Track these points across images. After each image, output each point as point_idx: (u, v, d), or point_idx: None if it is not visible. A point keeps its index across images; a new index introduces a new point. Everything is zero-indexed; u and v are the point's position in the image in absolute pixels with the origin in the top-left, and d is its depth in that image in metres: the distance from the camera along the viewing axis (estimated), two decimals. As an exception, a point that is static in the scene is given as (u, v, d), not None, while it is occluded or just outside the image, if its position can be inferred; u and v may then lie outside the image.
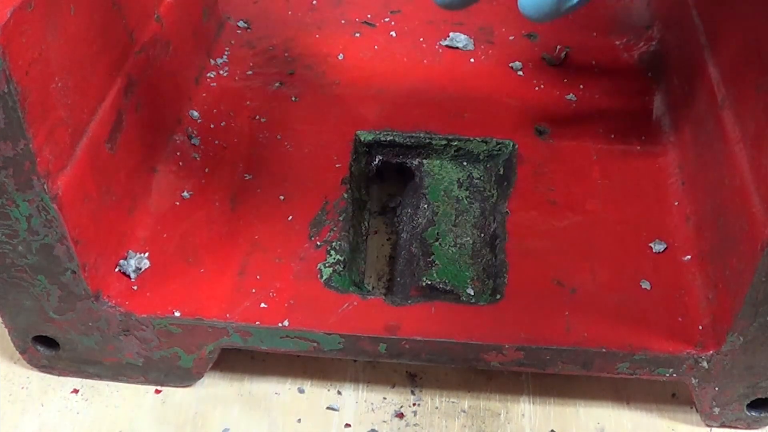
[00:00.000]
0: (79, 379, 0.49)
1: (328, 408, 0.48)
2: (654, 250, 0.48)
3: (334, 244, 0.48)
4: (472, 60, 0.61)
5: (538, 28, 0.64)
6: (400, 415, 0.48)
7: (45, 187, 0.39)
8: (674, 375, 0.44)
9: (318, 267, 0.47)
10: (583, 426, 0.47)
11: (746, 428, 0.47)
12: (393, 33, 0.64)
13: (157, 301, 0.45)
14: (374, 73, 0.60)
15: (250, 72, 0.61)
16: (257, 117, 0.57)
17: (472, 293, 0.48)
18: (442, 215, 0.52)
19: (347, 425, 0.47)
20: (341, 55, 0.62)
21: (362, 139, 0.55)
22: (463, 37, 0.62)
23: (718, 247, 0.44)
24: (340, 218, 0.50)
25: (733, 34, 0.45)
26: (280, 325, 0.44)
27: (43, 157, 0.38)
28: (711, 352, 0.43)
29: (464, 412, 0.48)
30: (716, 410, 0.46)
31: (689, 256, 0.47)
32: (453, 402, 0.49)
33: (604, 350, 0.44)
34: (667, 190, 0.51)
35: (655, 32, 0.60)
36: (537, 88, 0.59)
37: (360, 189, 0.54)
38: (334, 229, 0.49)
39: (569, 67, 0.61)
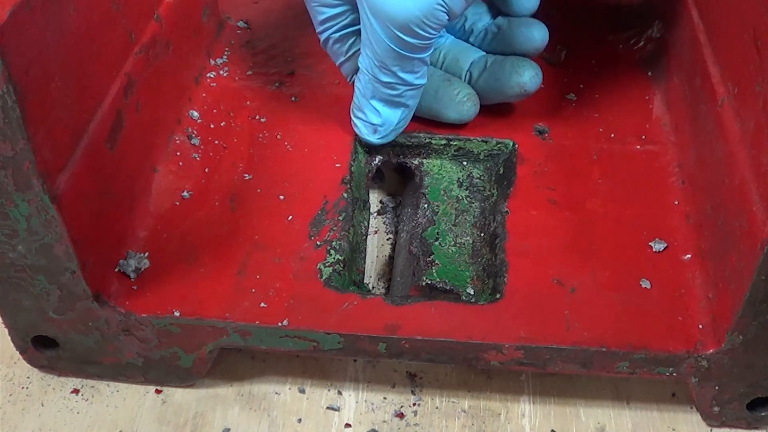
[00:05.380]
0: (79, 379, 0.49)
1: (328, 408, 0.48)
2: (654, 250, 0.48)
3: (333, 243, 0.49)
4: (472, 60, 0.61)
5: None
6: (401, 415, 0.48)
7: (44, 187, 0.38)
8: (674, 374, 0.44)
9: (318, 267, 0.47)
10: (583, 426, 0.47)
11: (746, 428, 0.47)
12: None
13: (157, 301, 0.45)
14: (374, 73, 0.60)
15: (250, 72, 0.61)
16: (257, 117, 0.57)
17: (472, 293, 0.48)
18: (441, 215, 0.52)
19: (347, 425, 0.47)
20: (341, 55, 0.62)
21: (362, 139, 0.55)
22: (463, 37, 0.62)
23: (718, 246, 0.44)
24: (340, 218, 0.50)
25: (734, 33, 0.45)
26: (279, 324, 0.44)
27: (42, 157, 0.38)
28: (711, 351, 0.43)
29: (464, 412, 0.48)
30: (716, 409, 0.46)
31: (689, 255, 0.47)
32: (453, 402, 0.49)
33: (603, 349, 0.44)
34: (667, 190, 0.51)
35: (655, 32, 0.60)
36: (537, 88, 0.59)
37: (360, 189, 0.54)
38: (334, 228, 0.49)
39: (569, 67, 0.61)
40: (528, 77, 0.53)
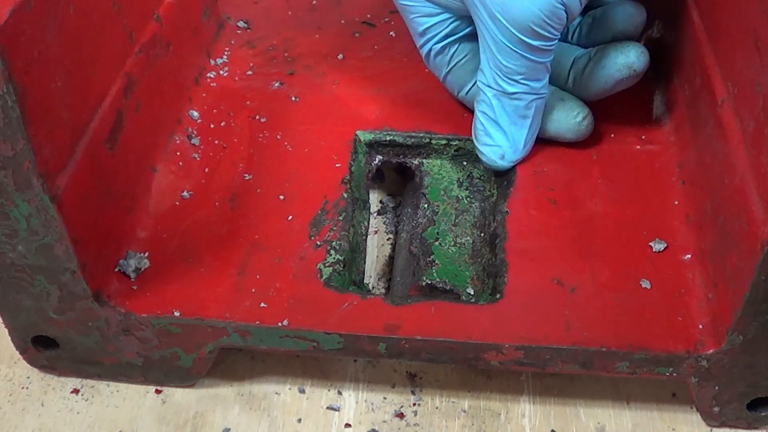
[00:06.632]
0: (79, 379, 0.49)
1: (328, 408, 0.48)
2: (654, 250, 0.48)
3: (333, 243, 0.48)
4: (472, 60, 0.61)
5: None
6: (401, 415, 0.48)
7: (44, 186, 0.39)
8: (674, 374, 0.44)
9: (318, 267, 0.47)
10: (583, 426, 0.47)
11: (747, 428, 0.47)
12: (393, 33, 0.64)
13: (157, 301, 0.45)
14: (374, 73, 0.60)
15: (250, 72, 0.61)
16: (257, 117, 0.57)
17: (472, 293, 0.48)
18: (441, 215, 0.52)
19: (347, 425, 0.47)
20: (341, 55, 0.62)
21: (362, 139, 0.55)
22: (463, 37, 0.62)
23: (718, 246, 0.44)
24: (340, 218, 0.50)
25: (734, 33, 0.45)
26: (279, 324, 0.44)
27: (42, 157, 0.38)
28: (711, 351, 0.43)
29: (464, 412, 0.48)
30: (716, 409, 0.46)
31: (689, 255, 0.47)
32: (453, 402, 0.49)
33: (603, 349, 0.43)
34: (667, 190, 0.51)
35: (655, 32, 0.60)
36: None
37: (360, 189, 0.54)
38: (334, 228, 0.49)
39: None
40: (635, 56, 0.51)
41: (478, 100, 0.52)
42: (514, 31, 0.47)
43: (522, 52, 0.48)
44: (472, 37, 0.53)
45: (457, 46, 0.53)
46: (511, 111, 0.51)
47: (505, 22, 0.47)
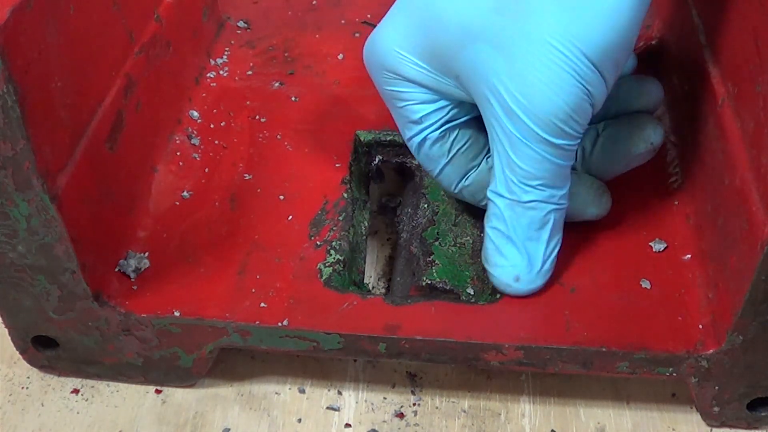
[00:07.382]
0: (79, 379, 0.49)
1: (328, 408, 0.48)
2: (654, 250, 0.48)
3: (333, 243, 0.49)
4: (472, 60, 0.61)
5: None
6: (400, 415, 0.48)
7: (44, 186, 0.39)
8: (674, 374, 0.44)
9: (318, 267, 0.47)
10: (583, 426, 0.47)
11: (747, 428, 0.47)
12: (393, 33, 0.64)
13: (156, 301, 0.45)
14: (374, 73, 0.60)
15: (250, 72, 0.61)
16: (257, 117, 0.57)
17: (472, 293, 0.48)
18: (441, 215, 0.52)
19: (347, 425, 0.47)
20: (341, 55, 0.62)
21: (362, 139, 0.55)
22: (463, 37, 0.62)
23: (718, 247, 0.44)
24: (340, 218, 0.50)
25: (733, 33, 0.45)
26: (279, 324, 0.44)
27: (42, 157, 0.38)
28: (711, 351, 0.43)
29: (464, 412, 0.48)
30: (716, 409, 0.46)
31: (689, 256, 0.47)
32: (453, 402, 0.49)
33: (603, 349, 0.43)
34: (667, 190, 0.51)
35: (655, 32, 0.60)
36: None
37: (360, 189, 0.54)
38: (334, 228, 0.49)
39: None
40: (652, 129, 0.48)
41: (488, 215, 0.46)
42: (534, 127, 0.42)
43: (542, 153, 0.42)
44: (472, 122, 0.47)
45: (457, 131, 0.47)
46: (526, 223, 0.44)
47: (524, 118, 0.42)
